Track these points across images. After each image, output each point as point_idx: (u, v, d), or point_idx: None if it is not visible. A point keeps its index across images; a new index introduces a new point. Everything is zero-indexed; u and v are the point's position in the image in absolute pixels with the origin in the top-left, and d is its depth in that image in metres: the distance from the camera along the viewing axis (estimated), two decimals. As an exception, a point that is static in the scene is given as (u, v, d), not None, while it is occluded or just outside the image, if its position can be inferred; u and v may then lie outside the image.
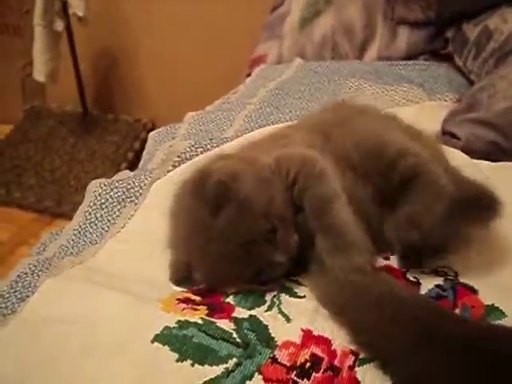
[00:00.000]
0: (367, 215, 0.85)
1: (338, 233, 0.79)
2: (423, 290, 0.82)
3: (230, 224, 0.78)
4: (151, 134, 1.42)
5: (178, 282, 0.83)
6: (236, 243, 0.78)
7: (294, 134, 0.95)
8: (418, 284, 0.83)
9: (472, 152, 1.14)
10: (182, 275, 0.82)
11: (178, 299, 0.80)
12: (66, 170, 2.56)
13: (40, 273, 0.94)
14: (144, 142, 2.52)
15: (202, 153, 1.12)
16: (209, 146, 1.14)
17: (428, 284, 0.83)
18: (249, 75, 1.79)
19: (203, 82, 2.33)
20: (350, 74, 1.59)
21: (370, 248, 0.80)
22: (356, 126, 0.93)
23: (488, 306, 0.79)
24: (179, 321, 0.74)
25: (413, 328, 0.69)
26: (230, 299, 0.80)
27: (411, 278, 0.84)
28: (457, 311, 0.79)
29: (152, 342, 0.72)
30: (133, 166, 1.97)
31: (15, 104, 2.80)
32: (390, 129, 0.95)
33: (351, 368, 0.70)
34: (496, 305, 0.79)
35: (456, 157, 1.06)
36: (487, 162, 1.13)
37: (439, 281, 0.83)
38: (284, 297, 0.80)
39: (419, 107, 1.38)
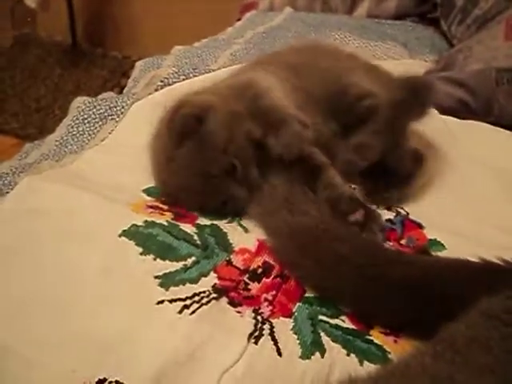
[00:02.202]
0: (332, 148, 0.92)
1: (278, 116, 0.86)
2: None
3: (190, 156, 0.83)
4: (138, 63, 1.45)
5: None
6: (196, 176, 0.83)
7: (268, 69, 1.00)
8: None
9: (441, 109, 1.19)
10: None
11: (147, 205, 0.86)
12: (51, 100, 2.57)
13: (20, 174, 0.99)
14: (131, 78, 2.58)
15: (184, 80, 1.16)
16: (191, 75, 1.18)
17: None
18: (239, 20, 1.81)
19: (195, 23, 2.33)
20: (337, 27, 1.63)
21: None
22: (323, 66, 0.99)
23: (431, 239, 0.87)
24: (146, 221, 0.81)
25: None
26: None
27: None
28: (403, 241, 0.87)
29: (119, 236, 0.78)
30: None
31: (3, 30, 2.79)
32: (353, 69, 1.01)
33: (299, 277, 0.77)
34: (438, 239, 0.87)
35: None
36: (455, 119, 1.19)
37: (390, 216, 0.91)
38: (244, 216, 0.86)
39: (398, 63, 1.43)
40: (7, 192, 0.93)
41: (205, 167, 0.83)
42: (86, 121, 1.13)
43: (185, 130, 0.82)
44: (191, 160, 0.83)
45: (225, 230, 0.81)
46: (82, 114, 1.13)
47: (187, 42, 1.62)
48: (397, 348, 0.70)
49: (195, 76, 1.18)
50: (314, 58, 1.03)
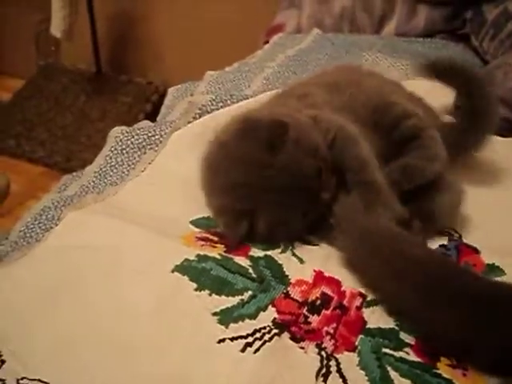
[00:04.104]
0: None
1: (377, 189, 0.84)
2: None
3: (288, 161, 0.81)
4: (170, 89, 1.44)
5: (239, 235, 0.82)
6: (293, 180, 0.81)
7: (314, 92, 0.99)
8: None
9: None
10: (244, 227, 0.82)
11: (197, 237, 0.84)
12: (77, 128, 2.58)
13: (62, 208, 0.97)
14: (155, 104, 2.58)
15: (222, 107, 1.15)
16: (229, 102, 1.17)
17: (433, 244, 0.87)
18: (266, 43, 1.80)
19: (218, 47, 2.34)
20: (367, 47, 1.61)
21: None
22: (366, 86, 0.98)
23: (489, 264, 0.84)
24: (198, 254, 0.79)
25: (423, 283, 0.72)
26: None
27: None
28: (459, 267, 0.84)
29: (172, 271, 0.76)
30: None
31: (28, 59, 2.82)
32: (397, 92, 1.01)
33: (358, 308, 0.75)
34: (496, 264, 0.84)
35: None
36: (499, 138, 1.17)
37: (444, 241, 0.88)
38: (297, 244, 0.84)
39: (429, 83, 1.40)
40: (51, 227, 0.92)
41: (301, 169, 0.82)
42: (124, 151, 1.11)
43: (277, 135, 0.81)
44: (289, 163, 0.82)
45: (280, 262, 0.79)
46: (120, 144, 1.12)
47: (212, 66, 1.62)
48: (467, 382, 0.67)
49: (233, 103, 1.17)
50: (358, 77, 1.02)
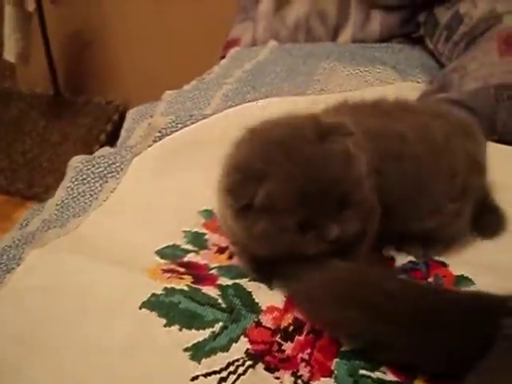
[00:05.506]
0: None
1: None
2: (398, 264, 0.87)
3: (332, 154, 0.74)
4: (129, 111, 1.42)
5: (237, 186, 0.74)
6: (322, 173, 0.73)
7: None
8: (393, 259, 0.88)
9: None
10: (251, 188, 0.73)
11: (163, 269, 0.82)
12: (38, 153, 2.53)
13: (24, 246, 0.94)
14: (116, 124, 2.55)
15: (181, 128, 1.14)
16: (189, 122, 1.15)
17: (402, 260, 0.88)
18: (223, 57, 1.79)
19: (176, 64, 2.32)
20: (324, 56, 1.61)
21: None
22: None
23: (458, 276, 0.84)
24: (166, 288, 0.77)
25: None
26: (214, 271, 0.83)
27: (386, 255, 0.89)
28: (430, 280, 0.84)
29: (140, 308, 0.74)
30: (106, 147, 1.97)
31: (-17, 86, 2.76)
32: None
33: (332, 332, 0.73)
34: (465, 275, 0.84)
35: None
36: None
37: (411, 257, 0.88)
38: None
39: (392, 87, 1.41)
40: (12, 268, 0.89)
41: (332, 176, 0.74)
42: (85, 181, 1.09)
43: (334, 128, 0.75)
44: (325, 158, 0.74)
45: (249, 289, 0.78)
46: (80, 174, 1.09)
47: (170, 82, 1.60)
48: (444, 398, 0.67)
49: (193, 123, 1.15)
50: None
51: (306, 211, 0.72)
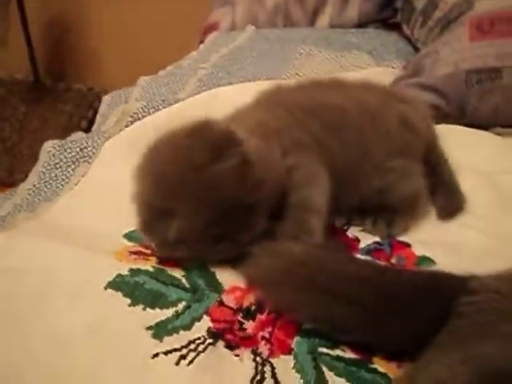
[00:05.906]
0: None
1: (308, 231, 0.81)
2: (362, 245, 0.89)
3: (223, 175, 0.75)
4: (104, 97, 1.42)
5: (148, 226, 0.79)
6: (223, 194, 0.74)
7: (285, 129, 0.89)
8: (357, 240, 0.90)
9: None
10: (160, 230, 0.77)
11: (130, 251, 0.83)
12: (18, 140, 2.52)
13: (-6, 230, 0.95)
14: (97, 110, 2.54)
15: (153, 113, 1.14)
16: (161, 107, 1.16)
17: (367, 240, 0.90)
18: (202, 42, 1.80)
19: (157, 50, 2.32)
20: (301, 41, 1.62)
21: None
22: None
23: (419, 256, 0.86)
24: (131, 269, 0.77)
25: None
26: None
27: (351, 236, 0.91)
28: (393, 260, 0.86)
29: (105, 288, 0.75)
30: (87, 133, 1.96)
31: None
32: None
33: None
34: (427, 255, 0.86)
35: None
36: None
37: (376, 238, 0.90)
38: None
39: (367, 72, 1.42)
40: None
41: (235, 189, 0.75)
42: (57, 165, 1.09)
43: (225, 142, 0.76)
44: (227, 176, 0.75)
45: (212, 270, 0.79)
46: (52, 158, 1.10)
47: (150, 68, 1.60)
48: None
49: (165, 107, 1.16)
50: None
51: (217, 230, 0.76)
